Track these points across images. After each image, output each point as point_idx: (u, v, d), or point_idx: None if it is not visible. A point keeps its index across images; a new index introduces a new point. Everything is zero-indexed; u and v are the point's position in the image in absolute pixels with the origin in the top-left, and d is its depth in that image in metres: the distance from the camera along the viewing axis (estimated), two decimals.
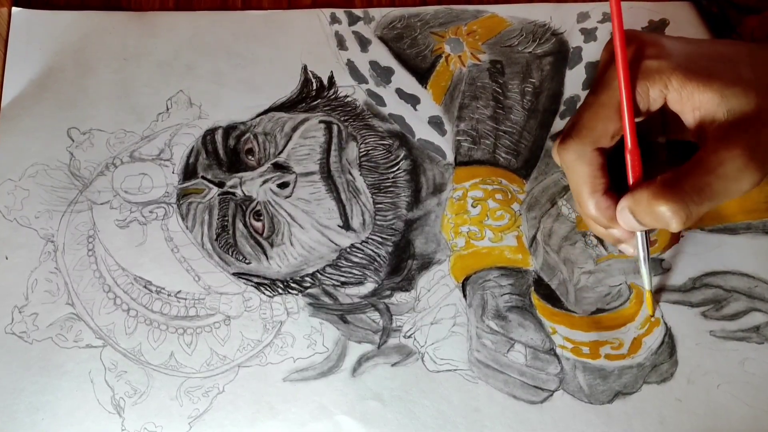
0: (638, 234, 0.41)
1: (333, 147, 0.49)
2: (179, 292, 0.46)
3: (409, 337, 0.45)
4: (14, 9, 0.53)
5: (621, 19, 0.37)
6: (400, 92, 0.52)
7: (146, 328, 0.45)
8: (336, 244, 0.47)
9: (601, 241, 0.47)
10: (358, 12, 0.54)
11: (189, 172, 0.49)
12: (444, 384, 0.44)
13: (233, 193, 0.48)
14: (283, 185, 0.48)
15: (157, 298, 0.46)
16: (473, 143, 0.50)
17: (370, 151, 0.50)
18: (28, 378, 0.44)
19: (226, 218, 0.48)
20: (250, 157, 0.49)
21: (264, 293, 0.46)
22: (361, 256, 0.47)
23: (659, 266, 0.46)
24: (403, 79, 0.52)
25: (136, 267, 0.47)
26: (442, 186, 0.49)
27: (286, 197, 0.48)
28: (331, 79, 0.52)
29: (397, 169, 0.49)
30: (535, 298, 0.46)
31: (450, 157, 0.50)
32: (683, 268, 0.46)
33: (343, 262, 0.47)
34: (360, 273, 0.47)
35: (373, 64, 0.53)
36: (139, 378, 0.44)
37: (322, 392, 0.44)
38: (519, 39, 0.53)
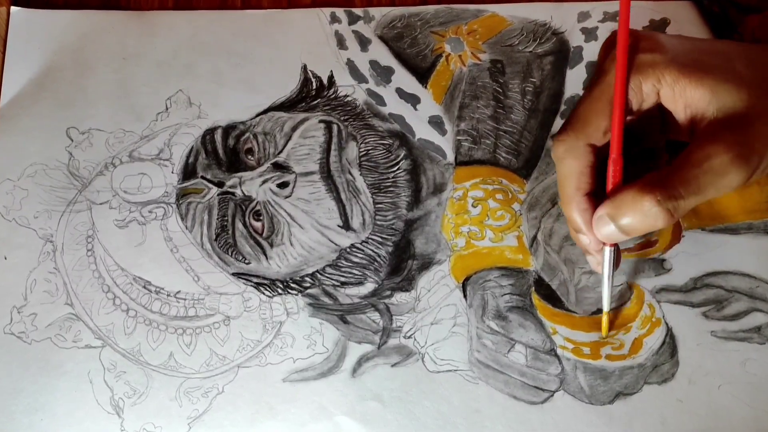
0: (606, 249, 0.40)
1: (333, 147, 0.49)
2: (178, 292, 0.46)
3: (410, 337, 0.45)
4: (13, 8, 0.53)
5: (628, 17, 0.37)
6: (400, 92, 0.52)
7: (145, 328, 0.45)
8: (336, 244, 0.47)
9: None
10: (358, 11, 0.54)
11: (188, 171, 0.49)
12: (444, 384, 0.44)
13: (233, 193, 0.48)
14: (282, 185, 0.48)
15: (156, 299, 0.46)
16: (474, 143, 0.50)
17: (370, 151, 0.50)
18: (26, 378, 0.44)
19: (226, 218, 0.47)
20: (249, 156, 0.49)
21: (264, 293, 0.46)
22: (361, 256, 0.47)
23: (660, 266, 0.46)
24: (403, 78, 0.52)
25: (136, 267, 0.47)
26: (443, 186, 0.49)
27: (286, 197, 0.48)
28: (330, 78, 0.52)
29: (397, 169, 0.49)
30: (536, 299, 0.46)
31: (450, 157, 0.50)
32: (684, 268, 0.46)
33: (343, 262, 0.47)
34: (360, 273, 0.47)
35: (373, 64, 0.52)
36: (139, 378, 0.44)
37: (322, 393, 0.44)
38: (520, 38, 0.53)
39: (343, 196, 0.48)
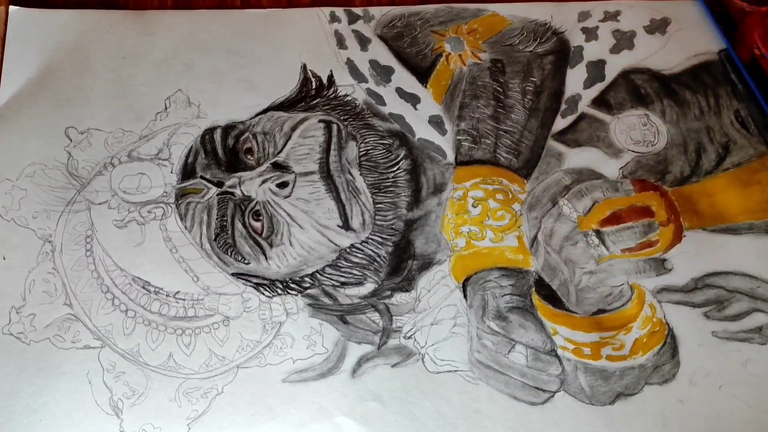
0: None
1: (332, 146, 0.49)
2: (178, 292, 0.46)
3: (410, 337, 0.45)
4: (11, 8, 0.53)
5: None
6: (400, 91, 0.52)
7: (145, 328, 0.45)
8: (335, 245, 0.47)
9: (602, 241, 0.47)
10: (357, 11, 0.54)
11: (188, 171, 0.49)
12: (444, 385, 0.44)
13: (232, 193, 0.48)
14: (282, 185, 0.48)
15: (155, 299, 0.46)
16: (474, 143, 0.50)
17: (370, 151, 0.49)
18: (25, 379, 0.44)
19: (225, 218, 0.47)
20: (249, 156, 0.49)
21: (263, 294, 0.46)
22: (360, 256, 0.47)
23: (662, 266, 0.46)
24: (403, 78, 0.52)
25: (135, 267, 0.47)
26: (443, 186, 0.49)
27: (286, 197, 0.48)
28: (330, 78, 0.52)
29: (397, 169, 0.49)
30: (536, 299, 0.46)
31: (450, 157, 0.50)
32: (685, 269, 0.46)
33: (343, 262, 0.47)
34: (360, 273, 0.47)
35: (373, 63, 0.52)
36: (138, 379, 0.44)
37: (322, 393, 0.44)
38: (520, 38, 0.53)
39: (342, 196, 0.48)
